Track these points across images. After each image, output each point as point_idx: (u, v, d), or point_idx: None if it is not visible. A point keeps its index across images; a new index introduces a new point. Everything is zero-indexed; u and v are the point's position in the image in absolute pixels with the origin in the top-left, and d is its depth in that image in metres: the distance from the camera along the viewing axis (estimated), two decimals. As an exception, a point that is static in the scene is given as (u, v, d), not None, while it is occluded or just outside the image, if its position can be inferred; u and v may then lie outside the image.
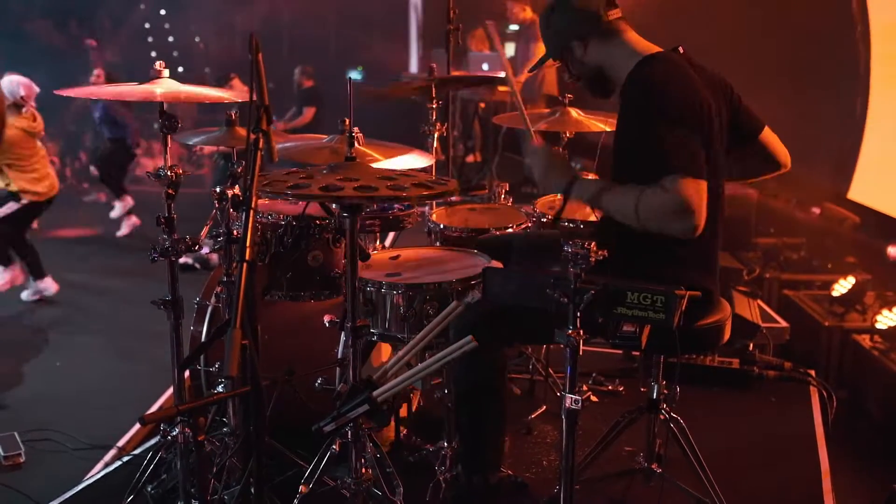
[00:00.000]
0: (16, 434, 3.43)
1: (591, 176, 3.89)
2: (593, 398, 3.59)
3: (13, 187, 5.34)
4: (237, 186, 2.68)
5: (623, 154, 2.32)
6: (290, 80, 9.06)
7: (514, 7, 7.49)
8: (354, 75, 10.67)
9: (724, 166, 2.37)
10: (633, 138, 2.25)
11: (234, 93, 2.88)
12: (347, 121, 2.47)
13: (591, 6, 2.38)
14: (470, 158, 8.65)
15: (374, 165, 2.45)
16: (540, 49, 8.34)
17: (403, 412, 3.16)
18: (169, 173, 2.57)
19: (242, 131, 2.93)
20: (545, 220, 3.25)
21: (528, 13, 7.43)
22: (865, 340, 4.21)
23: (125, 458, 3.21)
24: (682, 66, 2.29)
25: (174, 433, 2.63)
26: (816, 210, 5.96)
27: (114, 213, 7.74)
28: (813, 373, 3.85)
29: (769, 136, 2.52)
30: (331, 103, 8.78)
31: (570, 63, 2.47)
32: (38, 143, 5.56)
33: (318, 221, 2.73)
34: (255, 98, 1.82)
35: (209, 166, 8.92)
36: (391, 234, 4.01)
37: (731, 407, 3.64)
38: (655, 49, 2.36)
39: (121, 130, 7.70)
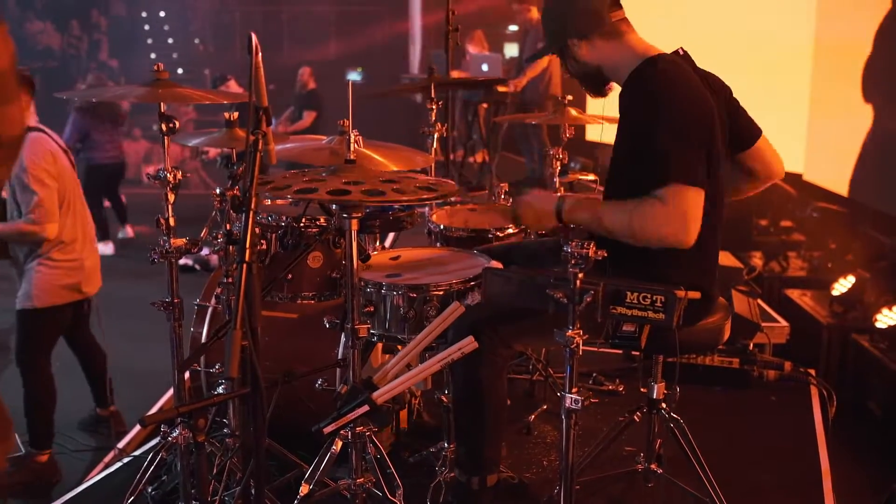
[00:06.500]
0: (16, 435, 3.44)
1: (590, 176, 3.89)
2: (593, 398, 3.59)
3: None
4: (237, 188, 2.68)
5: (622, 158, 2.30)
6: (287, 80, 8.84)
7: (519, 8, 7.46)
8: (354, 76, 10.65)
9: (726, 170, 2.34)
10: (633, 143, 2.22)
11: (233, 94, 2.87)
12: (347, 122, 2.47)
13: (594, 5, 2.32)
14: (472, 159, 8.62)
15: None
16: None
17: (404, 414, 3.16)
18: (169, 175, 2.57)
19: (241, 132, 2.92)
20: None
21: (534, 13, 7.40)
22: (865, 340, 4.20)
23: (125, 460, 3.21)
24: (684, 70, 2.26)
25: (174, 434, 2.63)
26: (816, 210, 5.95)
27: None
28: (813, 372, 3.85)
29: (765, 144, 2.47)
30: (330, 104, 8.67)
31: (566, 59, 2.43)
32: None
33: (318, 221, 2.73)
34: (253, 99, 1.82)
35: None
36: (391, 235, 4.01)
37: (731, 407, 3.64)
38: (657, 51, 2.31)
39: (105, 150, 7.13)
